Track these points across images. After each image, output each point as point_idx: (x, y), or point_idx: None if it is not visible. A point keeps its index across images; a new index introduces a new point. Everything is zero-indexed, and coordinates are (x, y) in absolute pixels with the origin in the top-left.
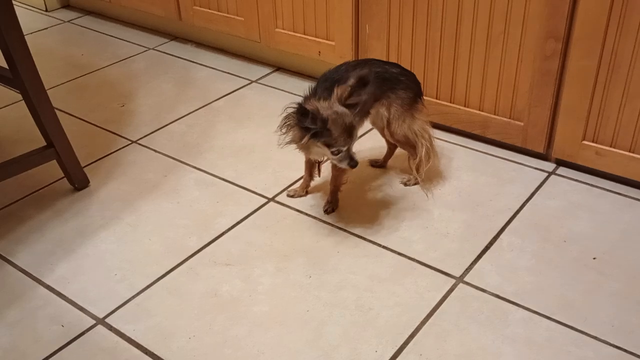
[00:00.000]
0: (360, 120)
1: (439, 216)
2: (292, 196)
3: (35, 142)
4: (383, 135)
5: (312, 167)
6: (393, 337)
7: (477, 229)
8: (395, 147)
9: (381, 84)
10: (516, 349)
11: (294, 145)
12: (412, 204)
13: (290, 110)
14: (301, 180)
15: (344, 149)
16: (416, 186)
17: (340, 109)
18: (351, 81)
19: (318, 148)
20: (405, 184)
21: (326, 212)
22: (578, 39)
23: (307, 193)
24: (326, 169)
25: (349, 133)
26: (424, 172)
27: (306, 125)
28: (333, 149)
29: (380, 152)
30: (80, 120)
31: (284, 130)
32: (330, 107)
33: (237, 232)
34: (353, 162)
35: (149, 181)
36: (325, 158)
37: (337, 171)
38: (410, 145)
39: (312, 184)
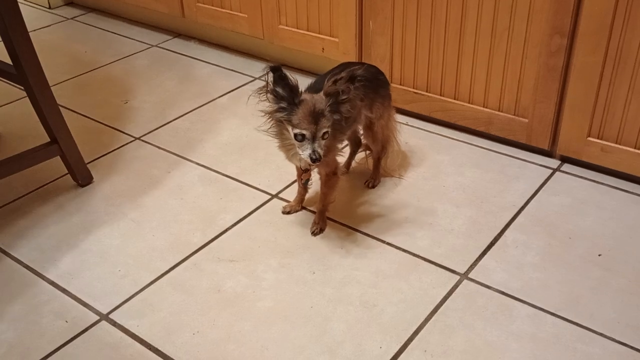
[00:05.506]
0: (348, 127)
1: (443, 212)
2: (288, 212)
3: (39, 139)
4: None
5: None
6: (398, 333)
7: (481, 226)
8: (358, 149)
9: (364, 86)
10: (522, 346)
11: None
12: (416, 200)
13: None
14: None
15: (307, 134)
16: (420, 182)
17: (318, 95)
18: (342, 74)
19: (287, 133)
20: (374, 186)
21: (314, 233)
22: (584, 34)
23: (302, 208)
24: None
25: (315, 119)
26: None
27: (277, 90)
28: (296, 132)
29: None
30: (84, 116)
31: (260, 94)
32: (310, 95)
33: (241, 228)
34: (315, 156)
35: (152, 177)
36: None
37: (326, 188)
38: (383, 144)
39: (307, 196)
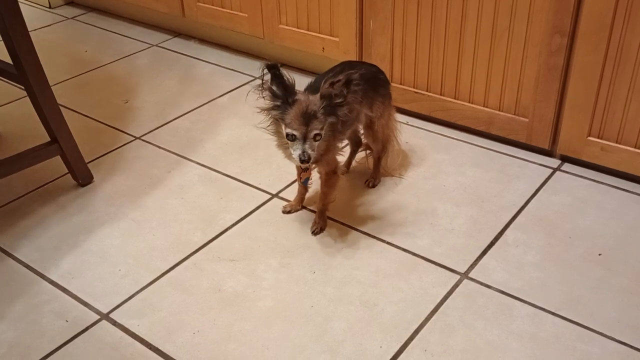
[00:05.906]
0: (347, 127)
1: (443, 212)
2: (288, 212)
3: (39, 138)
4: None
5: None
6: (398, 332)
7: (482, 225)
8: (358, 149)
9: (364, 86)
10: (522, 345)
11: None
12: (416, 200)
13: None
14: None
15: (297, 134)
16: (420, 181)
17: (314, 96)
18: (339, 77)
19: (282, 131)
20: (375, 185)
21: (314, 233)
22: (584, 34)
23: (302, 207)
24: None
25: (306, 120)
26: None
27: (273, 88)
28: (288, 131)
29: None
30: (84, 116)
31: (260, 91)
32: (306, 95)
33: (241, 227)
34: (304, 157)
35: (153, 177)
36: (313, 165)
37: (326, 187)
38: (384, 144)
39: (307, 195)
